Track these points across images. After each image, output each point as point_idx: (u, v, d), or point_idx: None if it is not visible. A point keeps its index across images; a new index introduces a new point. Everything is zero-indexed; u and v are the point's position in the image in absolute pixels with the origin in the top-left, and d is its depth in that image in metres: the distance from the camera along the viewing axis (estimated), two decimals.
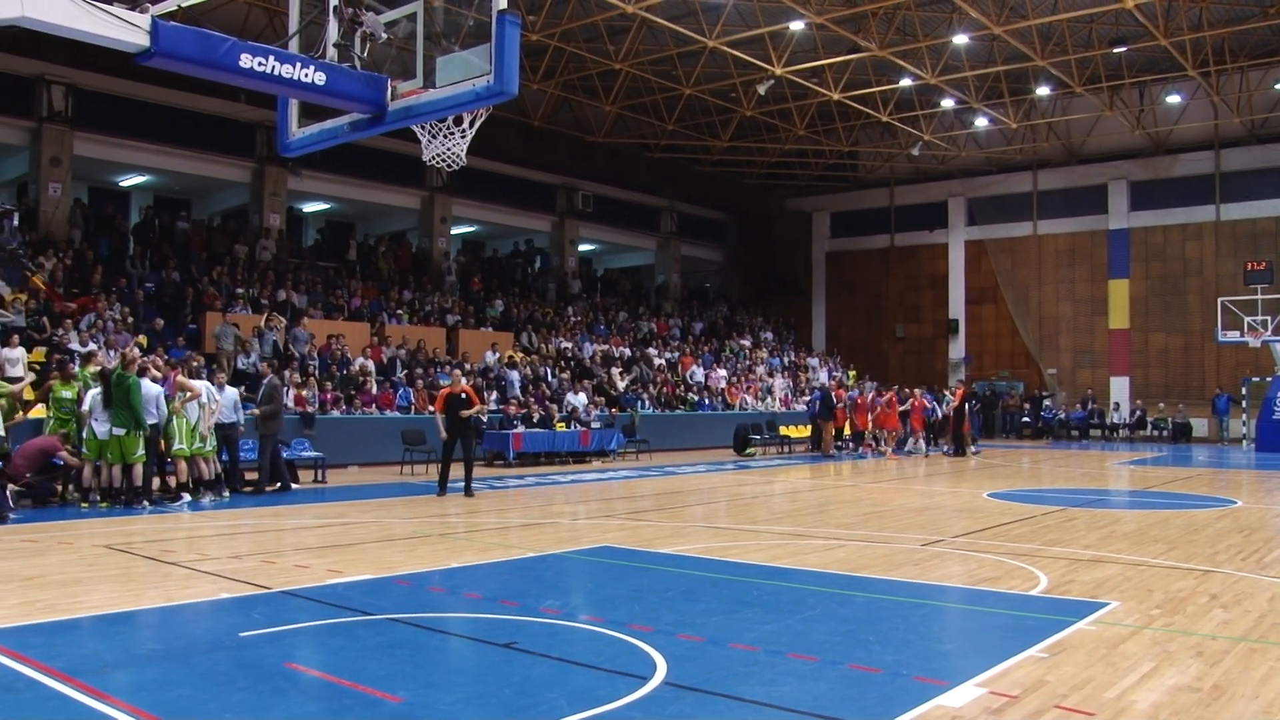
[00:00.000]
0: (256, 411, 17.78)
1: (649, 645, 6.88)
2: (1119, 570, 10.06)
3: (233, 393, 17.40)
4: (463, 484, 17.25)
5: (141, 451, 14.83)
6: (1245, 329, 32.93)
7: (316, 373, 23.48)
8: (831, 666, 6.49)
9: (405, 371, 25.81)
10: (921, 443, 30.50)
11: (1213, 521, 14.17)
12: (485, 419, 23.65)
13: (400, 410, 24.25)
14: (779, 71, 30.55)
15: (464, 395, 17.39)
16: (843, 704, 5.70)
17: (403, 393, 24.67)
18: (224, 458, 16.89)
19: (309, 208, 34.64)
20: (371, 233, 35.32)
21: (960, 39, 29.60)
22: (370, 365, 25.01)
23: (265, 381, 18.05)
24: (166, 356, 19.28)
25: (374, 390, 24.25)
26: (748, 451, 29.64)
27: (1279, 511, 15.78)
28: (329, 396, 23.07)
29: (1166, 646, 7.04)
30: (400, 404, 24.43)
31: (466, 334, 29.69)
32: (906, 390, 31.26)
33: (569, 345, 32.69)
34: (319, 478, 19.53)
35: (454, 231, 36.52)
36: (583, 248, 42.13)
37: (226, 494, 16.32)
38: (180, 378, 15.96)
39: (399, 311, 29.19)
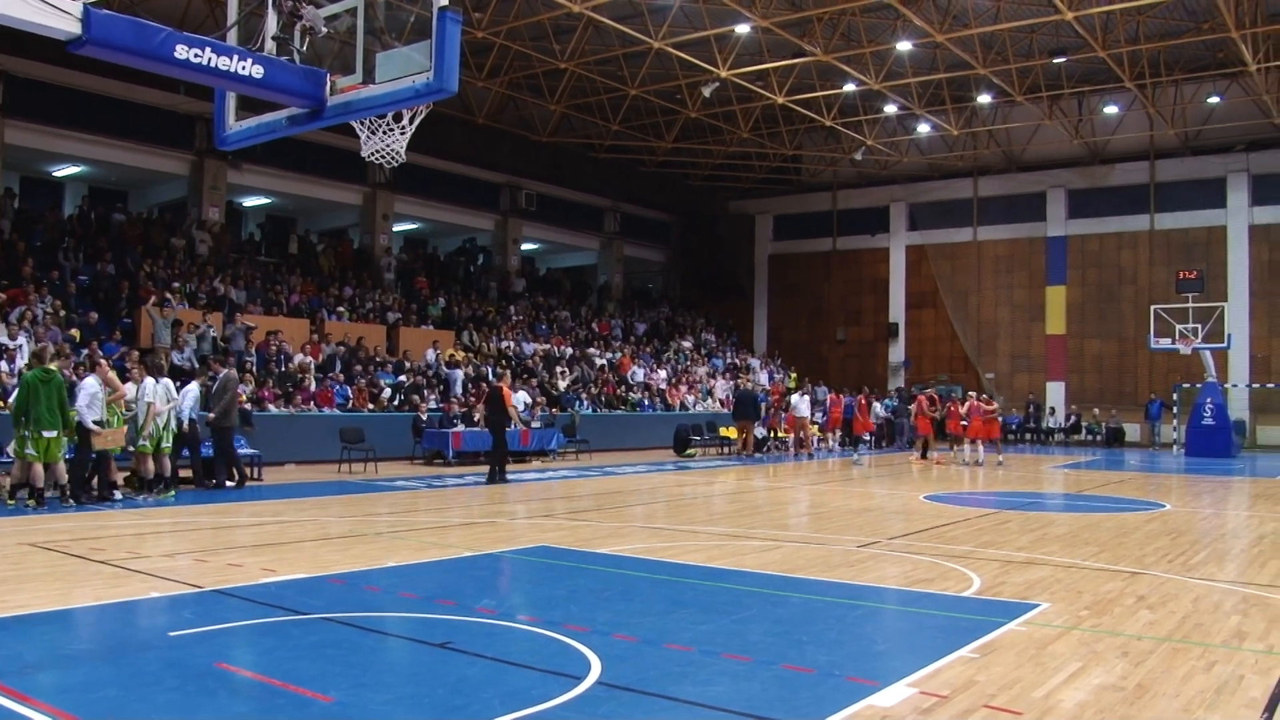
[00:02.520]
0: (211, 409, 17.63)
1: (584, 645, 6.88)
2: (1050, 572, 10.21)
3: (193, 388, 17.34)
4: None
5: (67, 449, 14.58)
6: (1176, 336, 33.47)
7: (254, 369, 23.20)
8: (765, 667, 6.52)
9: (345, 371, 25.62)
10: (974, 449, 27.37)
11: (1142, 524, 14.42)
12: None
13: (339, 408, 24.04)
14: (724, 74, 30.64)
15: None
16: (775, 704, 5.74)
17: (338, 390, 24.44)
18: (185, 454, 16.80)
19: (249, 202, 34.20)
20: (312, 228, 34.99)
21: (904, 46, 29.87)
22: (310, 362, 24.76)
23: (221, 375, 17.90)
24: (101, 352, 18.98)
25: (313, 388, 24.01)
26: (688, 452, 29.70)
27: (1206, 515, 16.11)
28: (267, 393, 22.80)
29: (1094, 646, 7.16)
30: (339, 401, 24.22)
31: (407, 332, 29.48)
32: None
33: (511, 344, 32.58)
34: (255, 475, 19.30)
35: (396, 228, 36.25)
36: (526, 246, 42.00)
37: (172, 492, 16.02)
38: (108, 374, 15.56)
39: (339, 309, 28.91)
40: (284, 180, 31.95)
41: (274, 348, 24.51)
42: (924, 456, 28.68)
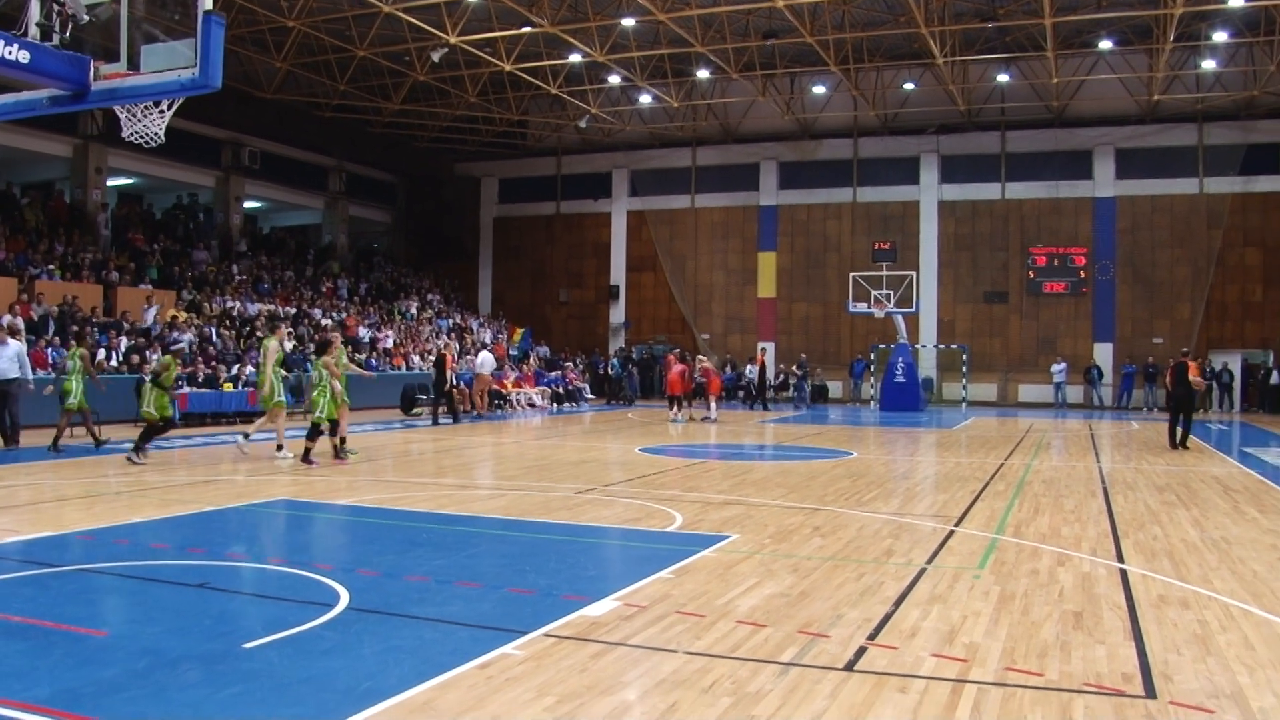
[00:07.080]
0: None
1: (332, 580, 7.73)
2: (743, 510, 11.70)
3: (16, 347, 17.01)
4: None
5: None
6: (872, 301, 36.54)
7: None
8: (493, 590, 7.59)
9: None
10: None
11: (829, 469, 16.31)
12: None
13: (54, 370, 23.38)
14: (453, 40, 31.18)
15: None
16: (503, 617, 6.81)
17: (54, 354, 23.77)
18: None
19: None
20: (15, 180, 33.24)
21: (628, 21, 31.25)
22: (19, 323, 23.92)
23: None
24: None
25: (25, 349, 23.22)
26: (414, 411, 30.30)
27: (884, 461, 18.25)
28: None
29: (770, 566, 8.58)
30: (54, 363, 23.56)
31: (125, 291, 28.68)
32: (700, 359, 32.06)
33: (234, 304, 32.19)
34: None
35: (110, 183, 34.92)
36: (249, 205, 41.18)
37: None
38: None
39: (50, 266, 27.85)
40: None
41: None
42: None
